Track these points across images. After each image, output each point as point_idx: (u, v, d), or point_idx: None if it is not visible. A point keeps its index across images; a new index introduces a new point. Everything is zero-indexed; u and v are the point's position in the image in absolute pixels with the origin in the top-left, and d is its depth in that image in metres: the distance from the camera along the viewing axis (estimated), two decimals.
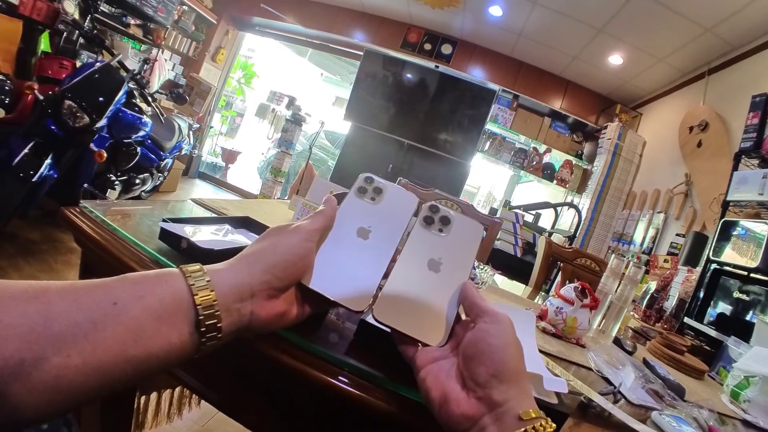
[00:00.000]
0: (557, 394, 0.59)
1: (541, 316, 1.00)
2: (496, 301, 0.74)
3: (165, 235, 0.60)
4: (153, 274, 0.39)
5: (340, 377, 0.49)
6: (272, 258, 0.45)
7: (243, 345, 0.48)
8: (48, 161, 2.23)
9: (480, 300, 0.47)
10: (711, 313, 2.04)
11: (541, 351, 0.77)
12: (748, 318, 1.84)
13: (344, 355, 0.51)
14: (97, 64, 2.54)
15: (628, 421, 0.62)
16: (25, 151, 2.14)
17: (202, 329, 0.38)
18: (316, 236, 0.49)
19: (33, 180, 2.14)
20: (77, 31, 3.00)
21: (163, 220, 0.61)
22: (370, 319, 0.58)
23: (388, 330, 0.48)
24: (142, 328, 0.35)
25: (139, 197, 3.36)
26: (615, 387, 0.73)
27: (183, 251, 0.59)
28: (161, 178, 3.59)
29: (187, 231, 0.62)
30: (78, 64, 2.74)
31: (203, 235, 0.64)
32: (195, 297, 0.38)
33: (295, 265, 0.46)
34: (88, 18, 3.04)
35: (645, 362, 1.02)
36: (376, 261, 0.52)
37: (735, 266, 1.99)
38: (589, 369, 0.83)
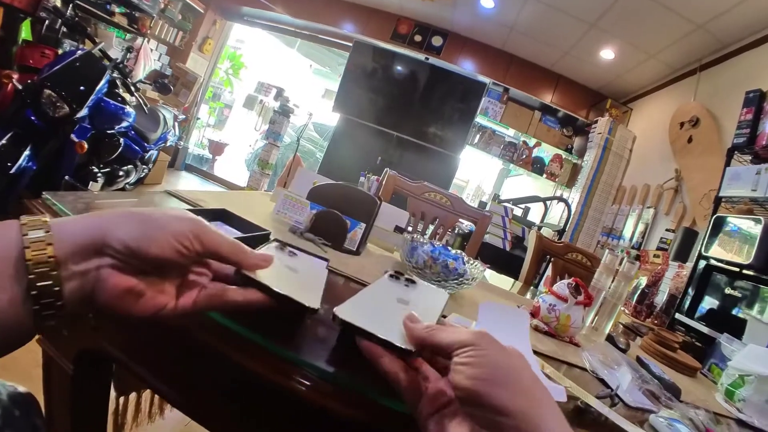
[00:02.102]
0: None
1: (534, 314, 0.97)
2: (488, 300, 0.71)
3: None
4: None
5: (314, 386, 0.45)
6: (138, 222, 0.36)
7: (213, 350, 0.44)
8: (27, 152, 2.17)
9: (448, 334, 0.40)
10: (701, 309, 2.03)
11: (534, 351, 0.74)
12: (739, 314, 1.83)
13: (326, 364, 0.47)
14: (78, 52, 2.47)
15: (626, 427, 0.59)
16: (3, 141, 2.08)
17: (34, 292, 0.31)
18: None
19: (10, 172, 2.07)
20: (59, 19, 2.92)
21: None
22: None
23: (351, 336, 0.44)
24: None
25: (123, 190, 3.29)
26: (612, 390, 0.71)
27: None
28: (146, 170, 3.52)
29: None
30: (60, 52, 2.66)
31: None
32: (26, 251, 0.31)
33: (169, 240, 0.37)
34: (71, 6, 2.96)
35: (639, 360, 1.00)
36: (313, 279, 0.53)
37: (727, 262, 1.98)
38: (584, 369, 0.81)
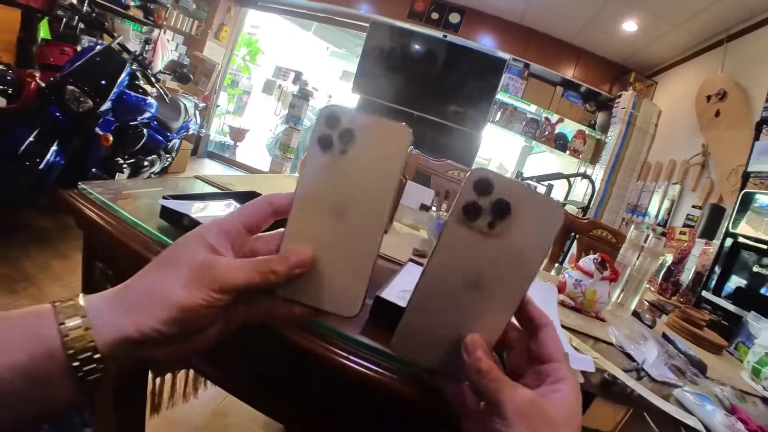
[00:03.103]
0: (583, 373, 0.56)
1: (560, 289, 0.97)
2: None
3: (166, 213, 0.58)
4: (18, 316, 0.32)
5: (353, 358, 0.47)
6: (160, 306, 0.34)
7: (251, 327, 0.46)
8: (54, 148, 2.22)
9: (499, 390, 0.35)
10: (728, 287, 2.00)
11: (561, 325, 0.75)
12: (766, 292, 1.80)
13: (359, 335, 0.49)
14: (98, 47, 2.51)
15: (653, 400, 0.60)
16: (30, 139, 2.13)
17: (85, 384, 0.32)
18: (227, 244, 0.39)
19: (40, 168, 2.13)
20: (76, 16, 2.96)
21: (163, 197, 0.59)
22: (385, 295, 0.55)
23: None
24: (10, 392, 0.30)
25: (148, 179, 3.35)
26: (638, 363, 0.71)
27: (185, 228, 0.56)
28: (169, 159, 3.58)
29: (195, 207, 0.60)
30: (78, 49, 2.71)
31: (211, 211, 0.61)
32: (69, 354, 0.31)
33: (195, 314, 0.35)
34: (87, 2, 3.00)
35: (665, 336, 0.99)
36: (361, 245, 0.39)
37: (755, 239, 1.94)
38: (610, 344, 0.81)
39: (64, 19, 3.10)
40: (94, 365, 0.32)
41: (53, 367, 0.31)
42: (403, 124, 0.38)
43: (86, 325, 0.32)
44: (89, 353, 0.32)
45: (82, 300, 0.34)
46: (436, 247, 0.37)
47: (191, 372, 1.38)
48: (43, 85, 2.26)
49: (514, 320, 0.39)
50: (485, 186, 0.35)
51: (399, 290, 0.60)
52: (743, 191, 2.07)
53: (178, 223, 0.57)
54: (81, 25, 3.05)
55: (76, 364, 0.31)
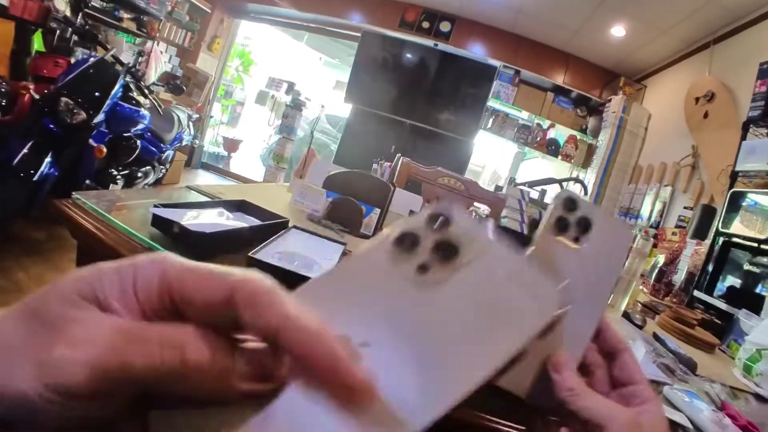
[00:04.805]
0: None
1: None
2: None
3: (157, 221, 0.59)
4: None
5: None
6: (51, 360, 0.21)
7: None
8: (48, 160, 2.23)
9: (596, 407, 0.32)
10: (720, 286, 2.02)
11: None
12: (758, 290, 1.82)
13: None
14: (91, 59, 2.52)
15: None
16: (24, 151, 2.14)
17: None
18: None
19: (34, 179, 2.14)
20: (70, 29, 2.98)
21: (155, 206, 0.60)
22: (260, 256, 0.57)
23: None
24: None
25: (142, 190, 3.36)
26: None
27: (176, 236, 0.57)
28: (163, 170, 3.59)
29: (188, 216, 0.61)
30: (72, 61, 2.72)
31: (202, 219, 0.62)
32: None
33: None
34: (80, 14, 3.02)
35: (655, 336, 1.01)
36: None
37: (745, 238, 1.96)
38: None
39: (58, 32, 3.12)
40: None
41: None
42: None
43: None
44: None
45: None
46: (529, 256, 0.36)
47: None
48: (36, 97, 2.27)
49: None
50: (571, 204, 0.38)
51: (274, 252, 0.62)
52: (732, 190, 2.10)
53: (169, 231, 0.58)
54: (75, 38, 3.06)
55: None
